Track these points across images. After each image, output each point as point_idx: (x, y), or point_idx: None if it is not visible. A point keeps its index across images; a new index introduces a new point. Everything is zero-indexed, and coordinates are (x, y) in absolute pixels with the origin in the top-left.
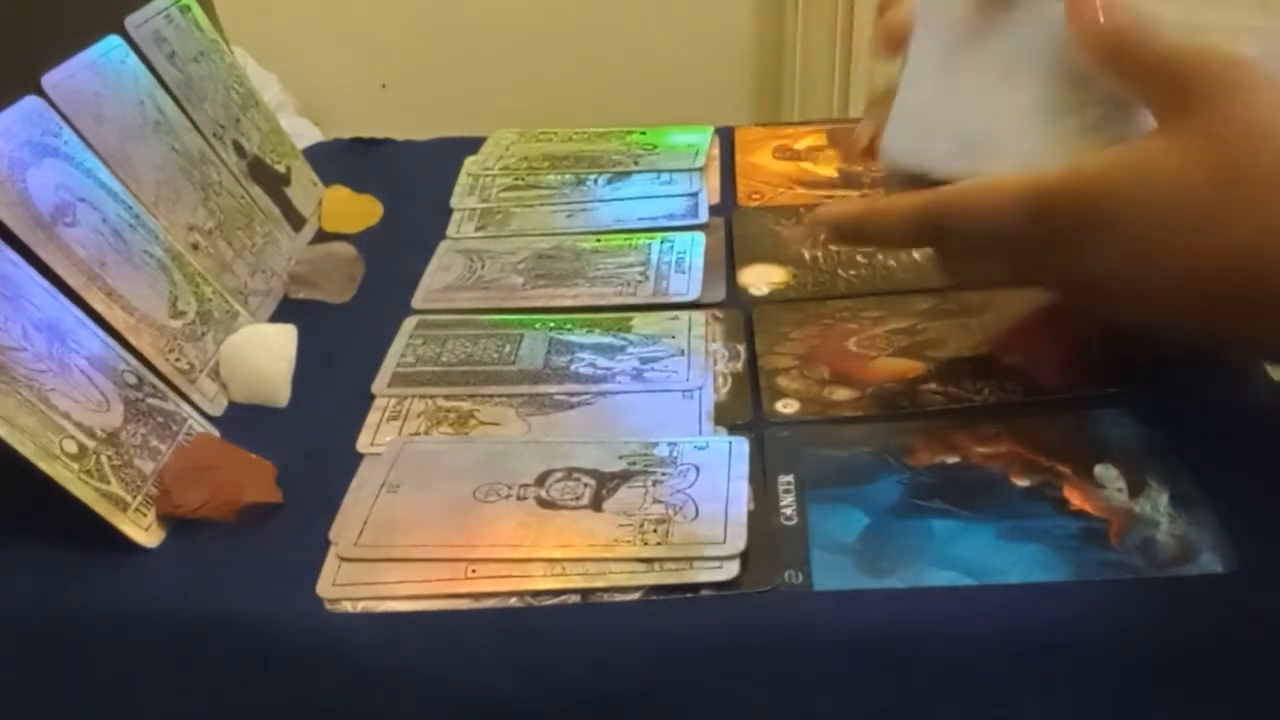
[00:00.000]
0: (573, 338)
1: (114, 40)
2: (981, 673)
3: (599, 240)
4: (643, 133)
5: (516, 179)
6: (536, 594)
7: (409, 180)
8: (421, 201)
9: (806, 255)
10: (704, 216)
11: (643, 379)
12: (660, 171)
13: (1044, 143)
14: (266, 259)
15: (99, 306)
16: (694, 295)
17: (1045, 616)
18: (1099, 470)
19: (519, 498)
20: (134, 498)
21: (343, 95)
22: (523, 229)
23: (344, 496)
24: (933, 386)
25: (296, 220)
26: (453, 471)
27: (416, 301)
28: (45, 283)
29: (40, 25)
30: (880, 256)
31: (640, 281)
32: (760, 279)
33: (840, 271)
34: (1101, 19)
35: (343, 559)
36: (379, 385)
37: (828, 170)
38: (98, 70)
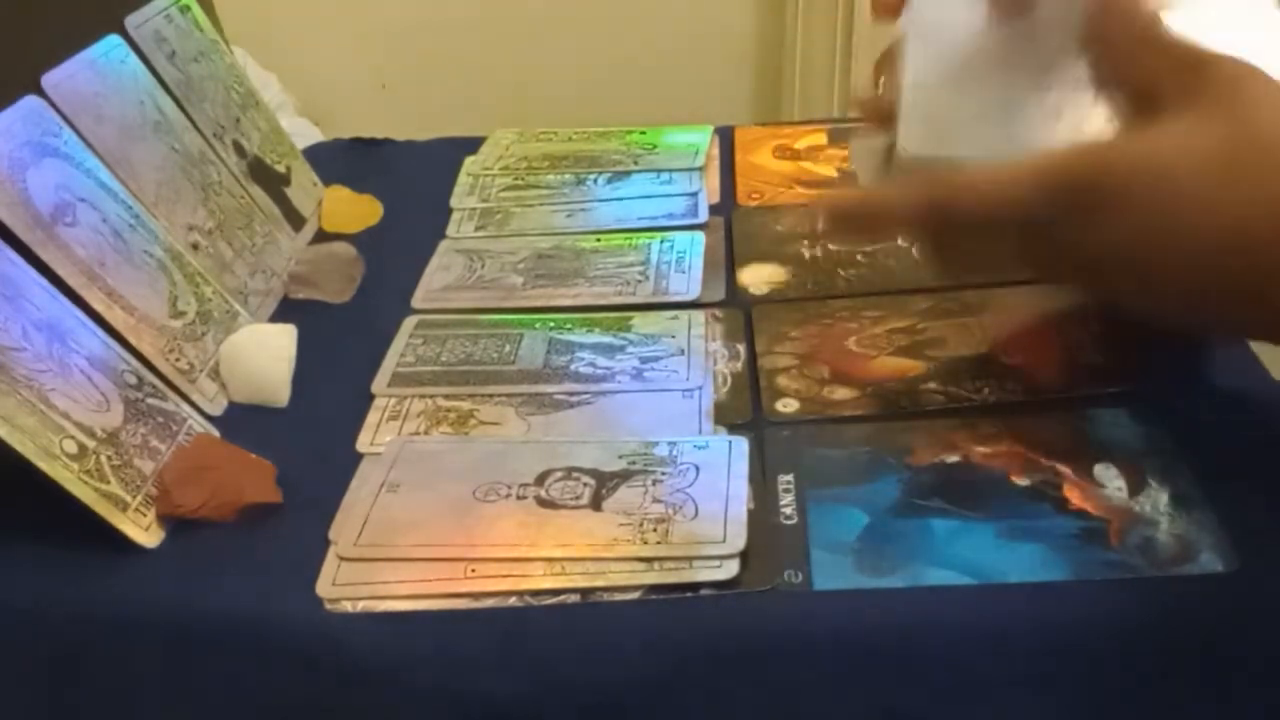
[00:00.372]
0: (573, 337)
1: (114, 40)
2: (981, 672)
3: (599, 240)
4: (643, 133)
5: (516, 179)
6: (536, 593)
7: (409, 180)
8: (421, 201)
9: (806, 254)
10: (704, 216)
11: (642, 378)
12: (660, 171)
13: (1029, 130)
14: (266, 259)
15: (99, 306)
16: (694, 295)
17: (1045, 616)
18: (1099, 470)
19: (519, 497)
20: (134, 498)
21: (343, 95)
22: (523, 229)
23: (344, 496)
24: (933, 386)
25: (296, 220)
26: (452, 471)
27: (416, 301)
28: (45, 283)
29: (40, 25)
30: (880, 256)
31: (640, 281)
32: (760, 278)
33: (840, 271)
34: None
35: (342, 559)
36: (379, 385)
37: (828, 170)
38: (98, 70)
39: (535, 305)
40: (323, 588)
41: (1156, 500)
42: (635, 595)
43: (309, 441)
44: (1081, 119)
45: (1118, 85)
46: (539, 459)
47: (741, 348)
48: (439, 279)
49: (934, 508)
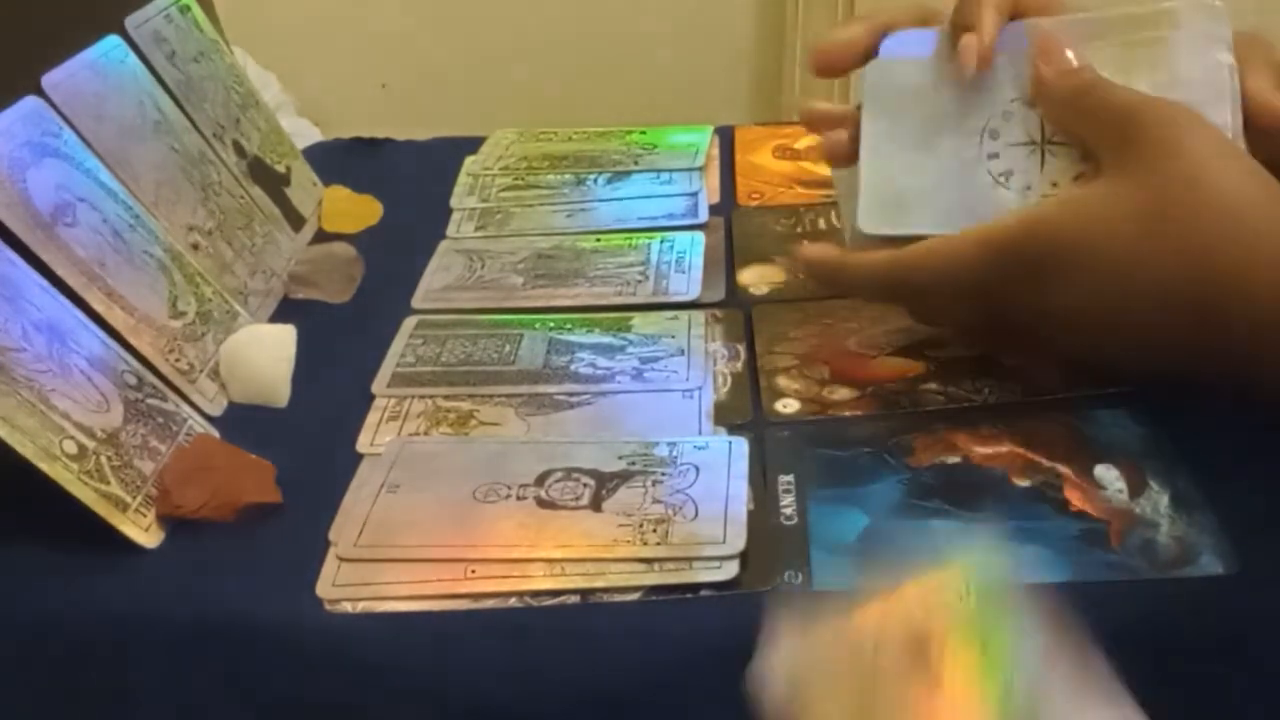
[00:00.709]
0: (572, 338)
1: (114, 40)
2: None
3: (599, 240)
4: (643, 132)
5: (516, 179)
6: (536, 594)
7: (409, 180)
8: (421, 201)
9: None
10: (704, 216)
11: (642, 379)
12: (660, 171)
13: (980, 196)
14: (266, 259)
15: (99, 307)
16: (694, 295)
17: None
18: (1099, 471)
19: (519, 498)
20: (134, 498)
21: (343, 95)
22: (523, 229)
23: (344, 496)
24: (933, 386)
25: (296, 220)
26: (452, 471)
27: (416, 301)
28: (45, 283)
29: (40, 25)
30: None
31: (640, 281)
32: (760, 278)
33: None
34: (1073, 65)
35: (342, 559)
36: (379, 385)
37: (827, 170)
38: (98, 70)
39: (535, 305)
40: (323, 588)
41: (1157, 502)
42: (635, 596)
43: (309, 441)
44: (1031, 179)
45: (1068, 140)
46: (539, 459)
47: (741, 348)
48: (439, 279)
49: (934, 508)
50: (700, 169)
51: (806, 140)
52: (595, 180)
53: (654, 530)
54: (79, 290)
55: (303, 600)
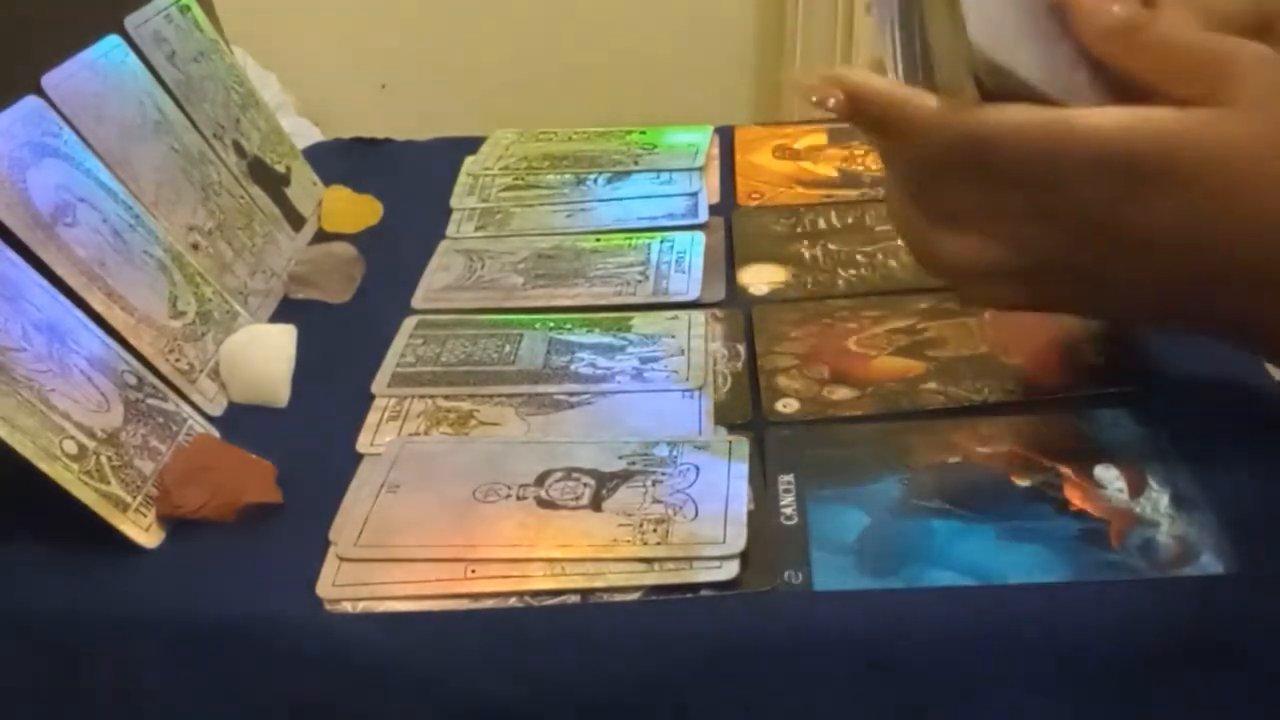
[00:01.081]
0: (572, 337)
1: (114, 40)
2: (981, 673)
3: (599, 240)
4: (643, 132)
5: (516, 179)
6: (536, 594)
7: (409, 180)
8: (421, 201)
9: (806, 254)
10: (704, 216)
11: (643, 379)
12: (660, 171)
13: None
14: (266, 259)
15: (99, 307)
16: (694, 295)
17: (1045, 617)
18: (1099, 470)
19: (519, 498)
20: (134, 498)
21: (343, 95)
22: (522, 229)
23: (344, 496)
24: (933, 386)
25: (296, 220)
26: (452, 471)
27: (416, 301)
28: (45, 283)
29: (40, 25)
30: (880, 256)
31: (640, 281)
32: (760, 278)
33: (840, 271)
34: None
35: (342, 559)
36: (379, 385)
37: (828, 170)
38: (98, 70)
39: (535, 305)
40: (323, 588)
41: (1157, 502)
42: (635, 596)
43: (309, 441)
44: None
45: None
46: (539, 459)
47: (741, 348)
48: (439, 279)
49: (934, 508)
50: (700, 169)
51: (806, 140)
52: (595, 180)
53: (654, 530)
54: (79, 290)
55: (303, 600)
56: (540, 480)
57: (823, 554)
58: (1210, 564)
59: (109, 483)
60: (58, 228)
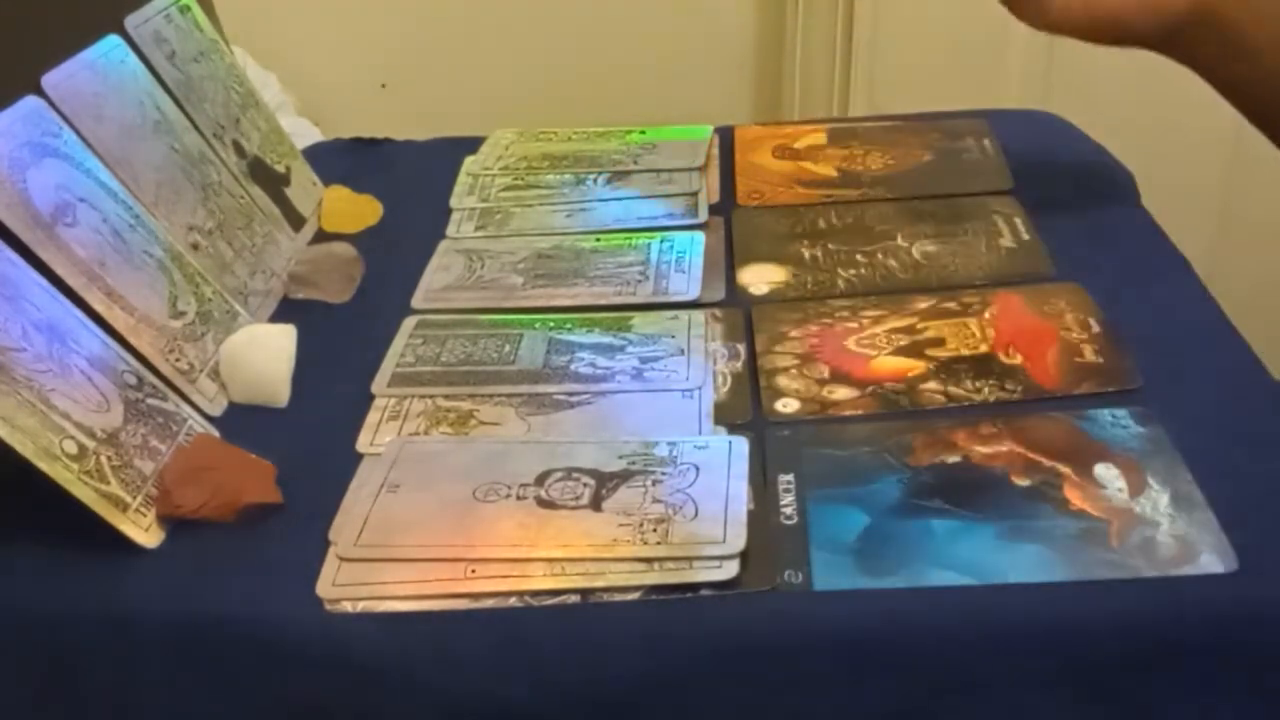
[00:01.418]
0: (572, 337)
1: (114, 40)
2: (981, 672)
3: (599, 240)
4: (643, 132)
5: (516, 179)
6: (536, 594)
7: (409, 180)
8: (421, 201)
9: (806, 254)
10: (704, 216)
11: (642, 378)
12: (660, 171)
13: None
14: (266, 259)
15: (99, 307)
16: (694, 295)
17: (1045, 616)
18: (1099, 470)
19: (519, 498)
20: (134, 498)
21: (343, 95)
22: (522, 229)
23: (344, 496)
24: (933, 386)
25: (296, 220)
26: (452, 471)
27: (416, 301)
28: (45, 283)
29: (40, 25)
30: (880, 256)
31: (640, 281)
32: (760, 278)
33: (840, 271)
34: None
35: (343, 559)
36: (379, 385)
37: (827, 170)
38: (98, 70)
39: (535, 305)
40: (323, 588)
41: (1157, 501)
42: (635, 595)
43: (309, 441)
44: None
45: None
46: (539, 459)
47: (741, 348)
48: (439, 279)
49: (934, 508)
50: (700, 169)
51: (806, 140)
52: (595, 180)
53: (654, 530)
54: (79, 290)
55: (303, 600)
56: (540, 480)
57: (823, 554)
58: (1210, 564)
59: (109, 482)
60: (58, 228)
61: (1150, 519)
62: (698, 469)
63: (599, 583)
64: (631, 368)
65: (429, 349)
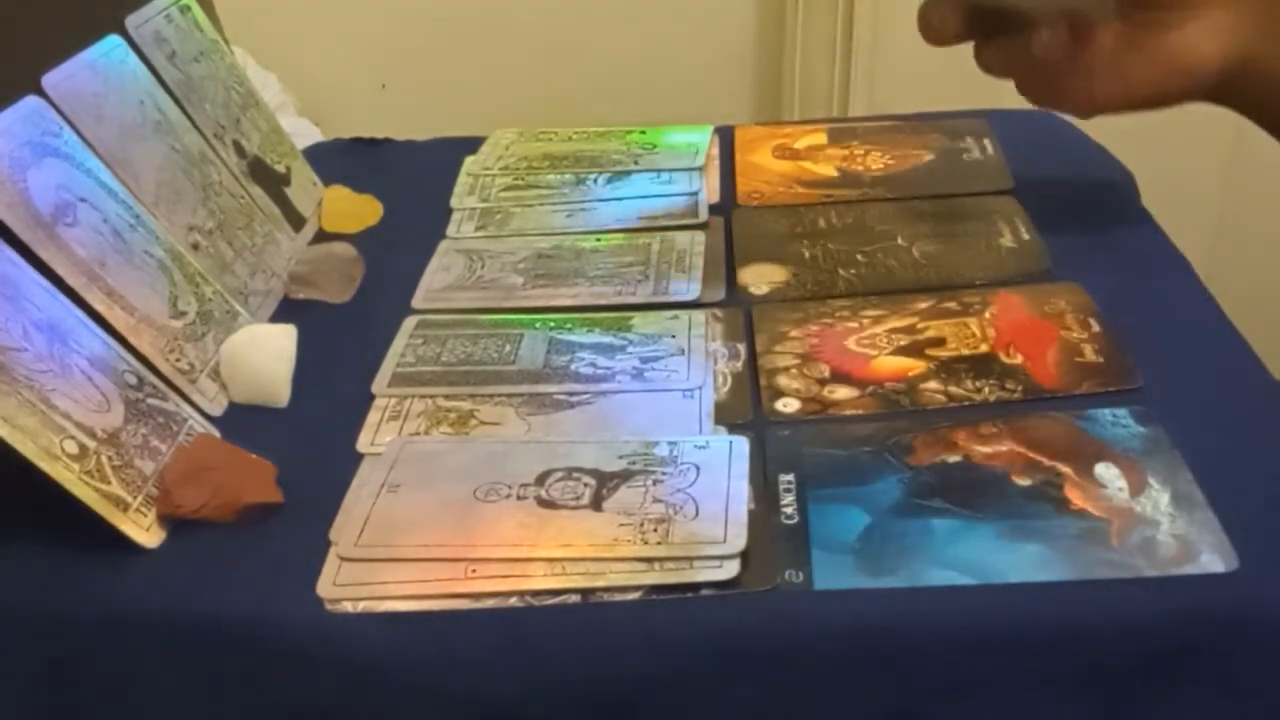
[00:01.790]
0: (573, 337)
1: (114, 40)
2: (982, 672)
3: (599, 240)
4: (643, 132)
5: (516, 179)
6: (536, 594)
7: (409, 180)
8: (421, 201)
9: (806, 254)
10: (704, 216)
11: (643, 378)
12: (660, 171)
13: None
14: (266, 259)
15: (99, 307)
16: (694, 295)
17: (1046, 616)
18: (1100, 470)
19: (519, 497)
20: (134, 498)
21: (343, 95)
22: (523, 229)
23: (344, 496)
24: (933, 385)
25: (296, 220)
26: (453, 471)
27: (416, 301)
28: (46, 283)
29: (40, 25)
30: (880, 256)
31: (640, 281)
32: (760, 278)
33: (840, 270)
34: None
35: (343, 559)
36: (379, 385)
37: (827, 169)
38: (98, 70)
39: (535, 305)
40: (323, 588)
41: (1157, 500)
42: (636, 595)
43: (309, 441)
44: None
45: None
46: (539, 459)
47: (742, 347)
48: (439, 279)
49: (935, 507)
50: (700, 169)
51: (806, 140)
52: (595, 180)
53: (655, 529)
54: (79, 290)
55: (303, 600)
56: (541, 480)
57: (823, 553)
58: (1210, 563)
59: (109, 482)
60: (58, 227)
61: (1151, 518)
62: (698, 469)
63: (599, 582)
64: (632, 368)
65: (429, 349)
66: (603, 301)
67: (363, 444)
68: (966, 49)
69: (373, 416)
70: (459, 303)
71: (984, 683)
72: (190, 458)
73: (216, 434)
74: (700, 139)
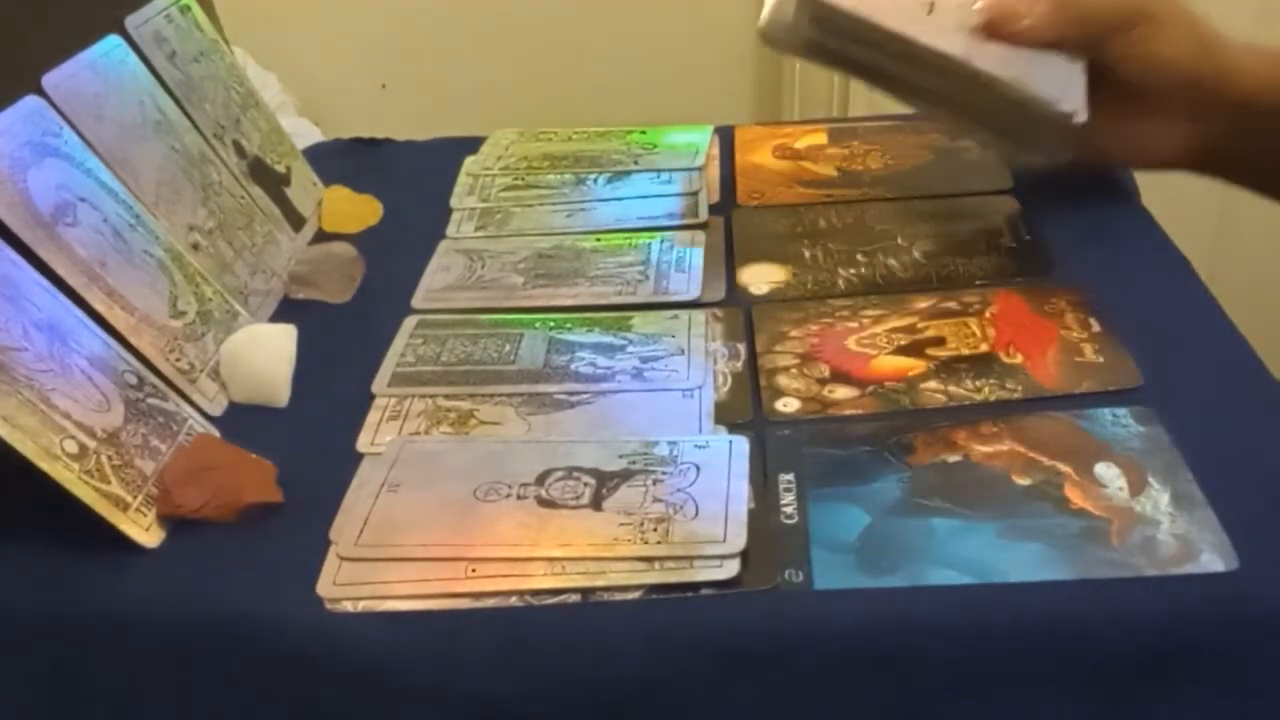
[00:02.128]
0: (573, 337)
1: (114, 40)
2: (982, 672)
3: (599, 240)
4: (643, 132)
5: (516, 179)
6: (536, 593)
7: (409, 180)
8: (421, 201)
9: (806, 254)
10: (704, 215)
11: (643, 378)
12: (660, 171)
13: None
14: (266, 259)
15: (99, 306)
16: (694, 294)
17: (1046, 615)
18: (1100, 469)
19: (519, 497)
20: (134, 498)
21: (343, 95)
22: (523, 229)
23: (344, 496)
24: (933, 385)
25: (296, 220)
26: (453, 471)
27: (416, 301)
28: (46, 283)
29: (40, 25)
30: (880, 256)
31: (640, 281)
32: (760, 278)
33: (840, 270)
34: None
35: (343, 558)
36: (379, 385)
37: (827, 169)
38: (98, 70)
39: (535, 305)
40: (323, 588)
41: (1158, 500)
42: (636, 595)
43: (309, 441)
44: None
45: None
46: (539, 459)
47: (742, 347)
48: (439, 279)
49: (935, 507)
50: (700, 169)
51: (806, 140)
52: (595, 180)
53: (655, 529)
54: (79, 290)
55: (303, 600)
56: (541, 479)
57: (823, 553)
58: (1210, 562)
59: (109, 482)
60: (58, 227)
61: (1151, 518)
62: (698, 468)
63: (600, 582)
64: (632, 367)
65: (429, 349)
66: (603, 301)
67: (363, 444)
68: None
69: (373, 416)
70: (459, 303)
71: (984, 682)
72: (190, 457)
73: (216, 434)
74: (700, 139)
